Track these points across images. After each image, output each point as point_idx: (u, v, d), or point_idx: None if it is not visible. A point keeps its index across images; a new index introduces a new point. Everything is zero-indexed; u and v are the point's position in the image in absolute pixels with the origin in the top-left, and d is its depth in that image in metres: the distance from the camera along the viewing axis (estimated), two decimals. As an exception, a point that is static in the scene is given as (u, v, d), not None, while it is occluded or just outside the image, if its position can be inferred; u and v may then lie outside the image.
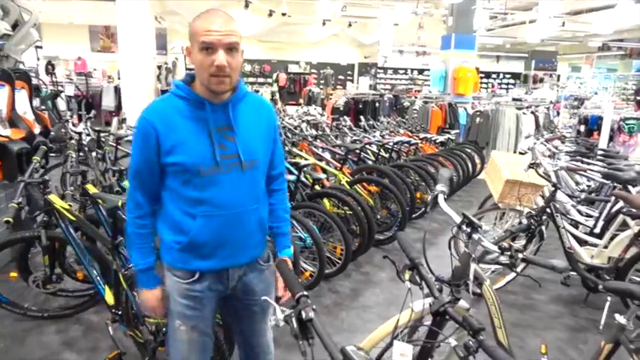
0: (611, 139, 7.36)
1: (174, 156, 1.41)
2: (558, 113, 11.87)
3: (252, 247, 1.58)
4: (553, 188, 3.14)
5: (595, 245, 3.46)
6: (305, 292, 1.09)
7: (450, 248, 1.89)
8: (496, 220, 4.08)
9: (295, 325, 1.01)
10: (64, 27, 14.63)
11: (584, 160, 4.09)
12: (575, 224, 3.91)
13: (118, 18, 9.28)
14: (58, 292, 3.11)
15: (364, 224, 3.83)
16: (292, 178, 3.72)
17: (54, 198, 2.51)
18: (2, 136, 3.33)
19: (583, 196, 3.47)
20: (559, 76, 20.93)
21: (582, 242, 3.55)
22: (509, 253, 1.62)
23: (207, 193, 1.44)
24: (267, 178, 1.65)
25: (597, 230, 3.65)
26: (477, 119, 9.02)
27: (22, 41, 3.59)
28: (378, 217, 4.57)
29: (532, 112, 9.30)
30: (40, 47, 3.99)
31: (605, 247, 3.38)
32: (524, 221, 3.15)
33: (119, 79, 10.37)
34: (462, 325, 1.26)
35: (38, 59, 3.94)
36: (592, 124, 8.11)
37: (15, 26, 3.50)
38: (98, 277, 2.55)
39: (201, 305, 1.56)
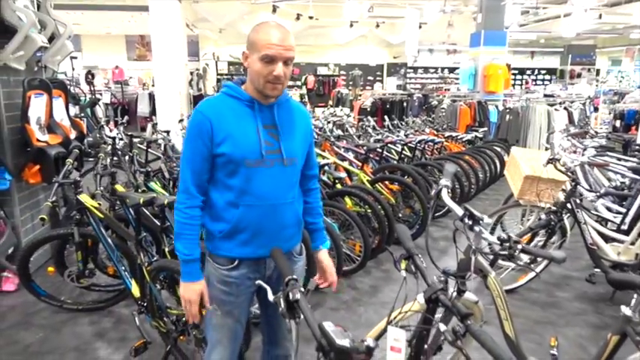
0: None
1: (224, 146, 1.54)
2: (596, 109, 11.45)
3: (287, 238, 1.70)
4: (573, 183, 3.09)
5: (622, 242, 3.38)
6: (294, 276, 1.17)
7: (454, 242, 1.92)
8: (522, 218, 4.03)
9: (283, 305, 1.09)
10: (102, 37, 15.32)
11: (610, 155, 3.98)
12: (604, 221, 3.83)
13: (151, 27, 9.66)
14: (92, 286, 3.32)
15: (383, 222, 3.87)
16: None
17: (84, 197, 2.70)
18: (41, 142, 3.57)
19: (603, 190, 3.37)
20: (598, 70, 20.15)
21: (609, 239, 3.47)
22: (507, 244, 1.64)
23: (250, 184, 1.57)
24: (303, 178, 1.78)
25: (625, 227, 3.56)
26: (507, 117, 8.86)
27: (58, 53, 3.84)
28: (400, 215, 4.59)
29: (565, 108, 9.05)
30: (75, 58, 4.25)
31: (633, 243, 3.30)
32: (544, 217, 3.11)
33: (153, 85, 10.78)
34: (452, 310, 1.31)
35: (73, 69, 4.18)
36: (629, 120, 7.85)
37: (51, 39, 3.75)
38: (126, 272, 2.72)
39: (238, 292, 1.68)
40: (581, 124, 8.93)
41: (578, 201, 3.17)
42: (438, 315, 1.59)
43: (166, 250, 2.60)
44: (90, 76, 11.19)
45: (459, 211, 1.85)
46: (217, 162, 1.58)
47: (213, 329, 1.73)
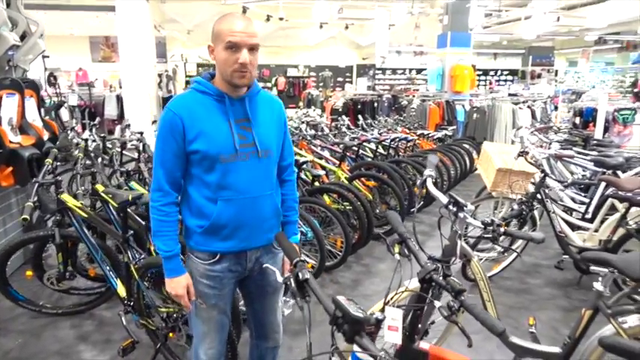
0: (607, 130, 7.49)
1: (197, 144, 1.54)
2: (556, 107, 11.98)
3: (267, 230, 1.71)
4: (542, 175, 3.26)
5: (587, 229, 3.59)
6: (302, 258, 1.22)
7: (439, 228, 2.01)
8: (495, 210, 4.21)
9: (294, 284, 1.14)
10: (66, 39, 14.83)
11: (574, 149, 4.22)
12: (569, 211, 4.04)
13: (118, 28, 9.45)
14: (71, 290, 3.27)
15: (363, 218, 3.96)
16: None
17: (66, 197, 2.66)
18: (13, 143, 3.47)
19: (569, 180, 3.58)
20: (557, 71, 21.04)
21: (575, 227, 3.68)
22: (491, 227, 1.75)
23: (227, 178, 1.58)
24: (278, 169, 1.79)
25: (589, 215, 3.78)
26: (474, 115, 9.16)
27: (29, 51, 3.75)
28: (377, 211, 4.70)
29: (528, 107, 9.44)
30: (47, 57, 4.14)
31: (596, 230, 3.51)
32: (516, 207, 3.27)
33: (120, 88, 10.54)
34: (446, 288, 1.39)
35: (45, 69, 4.07)
36: (587, 116, 8.23)
37: (23, 37, 3.65)
38: (110, 272, 2.69)
39: (221, 285, 1.70)
40: (544, 122, 9.33)
41: (547, 191, 3.35)
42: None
43: (152, 248, 2.60)
44: (53, 79, 10.83)
45: (444, 198, 1.95)
46: (192, 159, 1.58)
47: (199, 323, 1.75)
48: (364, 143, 5.53)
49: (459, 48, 10.23)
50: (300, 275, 1.15)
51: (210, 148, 1.54)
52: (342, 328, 1.02)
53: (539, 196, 3.33)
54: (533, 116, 9.32)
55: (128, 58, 9.44)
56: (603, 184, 3.69)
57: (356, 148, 5.29)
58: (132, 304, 2.55)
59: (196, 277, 1.68)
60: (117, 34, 9.70)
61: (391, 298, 1.47)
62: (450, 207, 1.91)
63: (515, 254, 3.64)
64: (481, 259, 3.59)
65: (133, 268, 2.42)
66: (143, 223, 2.70)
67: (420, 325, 1.57)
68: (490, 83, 20.01)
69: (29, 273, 2.99)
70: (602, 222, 3.45)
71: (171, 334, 2.38)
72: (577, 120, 8.52)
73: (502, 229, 1.74)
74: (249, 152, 1.60)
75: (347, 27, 14.53)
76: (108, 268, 2.69)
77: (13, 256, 3.03)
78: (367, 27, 15.01)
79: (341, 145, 4.95)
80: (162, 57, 14.41)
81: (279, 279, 1.20)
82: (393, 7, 12.77)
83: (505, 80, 20.90)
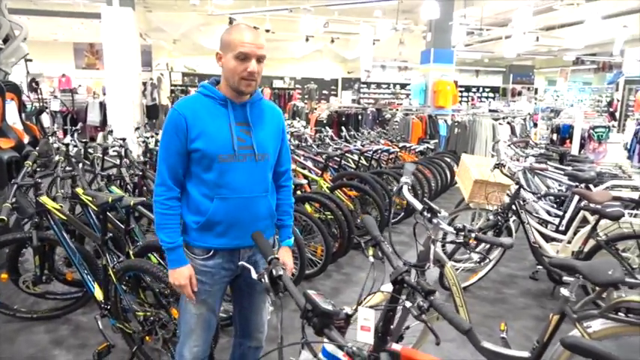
0: (582, 146, 7.72)
1: (198, 142, 1.62)
2: (536, 125, 12.30)
3: (261, 230, 1.73)
4: (517, 186, 3.36)
5: (560, 241, 3.69)
6: (276, 255, 1.26)
7: (414, 235, 2.07)
8: (473, 221, 4.30)
9: (267, 280, 1.18)
10: (49, 44, 14.72)
11: (549, 163, 4.35)
12: (544, 223, 4.16)
13: (103, 35, 9.43)
14: (47, 294, 3.23)
15: (344, 227, 4.01)
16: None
17: (45, 199, 2.64)
18: (-7, 145, 3.44)
19: (542, 192, 3.70)
20: (536, 89, 21.62)
21: (549, 239, 3.78)
22: (462, 233, 1.81)
23: (224, 178, 1.66)
24: (275, 174, 1.87)
25: (563, 228, 3.89)
26: (456, 130, 9.35)
27: (12, 54, 3.74)
28: (358, 221, 4.75)
29: (508, 123, 9.68)
30: (30, 60, 4.12)
31: (569, 242, 3.61)
32: (492, 218, 3.36)
33: (104, 95, 10.47)
34: (416, 288, 1.44)
35: (28, 72, 4.05)
36: (564, 133, 8.49)
37: (6, 40, 3.65)
38: (88, 275, 2.68)
39: (213, 281, 1.75)
40: (523, 137, 9.57)
41: (522, 202, 3.45)
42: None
43: (130, 252, 2.60)
44: (35, 84, 10.71)
45: (419, 205, 2.01)
46: (192, 157, 1.66)
47: (188, 319, 1.78)
48: (347, 154, 5.59)
49: (442, 64, 10.47)
50: (274, 272, 1.20)
51: (210, 147, 1.62)
52: (312, 321, 1.06)
53: (514, 207, 3.42)
54: (513, 132, 9.55)
55: (113, 65, 9.41)
56: (577, 197, 3.82)
57: (338, 159, 5.36)
58: (109, 307, 2.54)
59: None
60: (102, 41, 9.68)
61: (364, 299, 1.52)
62: (425, 213, 1.97)
63: (490, 265, 3.71)
64: (457, 269, 3.66)
65: (111, 272, 2.41)
66: (122, 226, 2.69)
67: (392, 327, 1.61)
68: (472, 99, 20.42)
69: (4, 276, 2.95)
70: (575, 234, 3.57)
71: (147, 338, 2.38)
72: (554, 136, 8.78)
73: (473, 235, 1.80)
74: (247, 154, 1.68)
75: (332, 41, 14.73)
76: (85, 271, 2.68)
77: (-13, 259, 2.99)
78: (352, 41, 15.25)
79: (324, 155, 5.01)
80: (147, 65, 14.36)
81: (254, 275, 1.23)
82: (377, 23, 13.02)
83: (487, 97, 21.37)
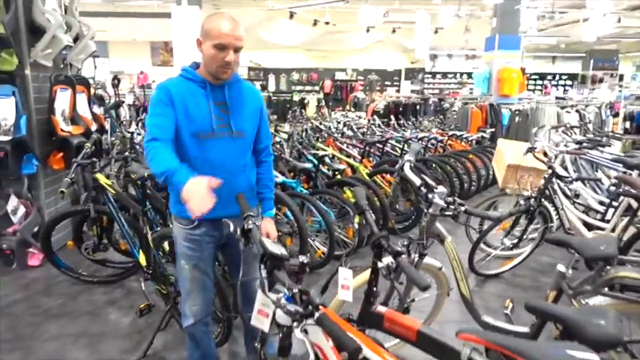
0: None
1: (180, 119, 1.78)
2: (617, 114, 11.39)
3: None
4: (550, 171, 3.26)
5: (604, 229, 3.53)
6: (252, 213, 1.45)
7: (417, 212, 2.15)
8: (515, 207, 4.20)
9: (239, 232, 1.37)
10: (128, 44, 16.02)
11: (599, 149, 4.12)
12: (591, 211, 3.97)
13: (173, 33, 10.15)
14: (106, 262, 3.67)
15: (378, 211, 4.09)
16: (309, 166, 4.08)
17: (99, 176, 3.03)
18: (65, 131, 3.95)
19: (575, 176, 3.53)
20: (621, 75, 19.85)
21: (593, 227, 3.63)
22: (452, 205, 1.87)
23: (205, 154, 1.82)
24: (255, 151, 2.02)
25: (608, 217, 3.70)
26: (516, 118, 8.95)
27: (81, 52, 4.24)
28: (397, 206, 4.81)
29: (577, 111, 9.08)
30: (97, 56, 4.61)
31: (613, 230, 3.44)
32: (523, 203, 3.29)
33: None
34: (387, 250, 1.55)
35: (95, 67, 4.55)
36: (638, 120, 7.86)
37: (76, 39, 4.15)
38: (134, 244, 3.03)
39: (201, 247, 1.94)
40: (596, 127, 8.94)
41: (556, 187, 3.34)
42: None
43: (170, 224, 2.90)
44: (116, 81, 11.78)
45: (417, 181, 2.09)
46: (176, 134, 1.78)
47: (184, 281, 1.99)
48: (389, 141, 5.64)
49: (508, 51, 10.04)
50: (245, 226, 1.38)
51: (191, 124, 1.79)
52: (266, 264, 1.22)
53: (547, 192, 3.32)
54: (582, 120, 8.95)
55: (182, 60, 10.09)
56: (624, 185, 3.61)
57: (381, 146, 5.42)
58: (151, 272, 2.87)
59: (180, 241, 1.94)
60: (172, 38, 10.41)
61: (346, 262, 1.65)
62: (422, 189, 2.05)
63: (526, 253, 3.63)
64: (489, 254, 3.63)
65: (150, 239, 2.73)
66: (163, 201, 3.02)
67: (375, 289, 1.73)
68: (545, 87, 19.21)
69: (70, 243, 3.42)
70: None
71: (179, 298, 2.66)
72: (627, 124, 8.14)
73: (462, 208, 1.86)
74: (225, 132, 1.84)
75: (394, 31, 14.60)
76: (132, 240, 3.03)
77: (56, 229, 3.46)
78: (415, 31, 14.97)
79: (363, 142, 5.11)
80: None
81: (231, 229, 1.42)
82: (440, 11, 12.69)
83: (564, 85, 20.02)
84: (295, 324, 1.11)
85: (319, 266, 3.68)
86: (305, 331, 1.16)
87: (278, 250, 1.21)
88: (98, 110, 7.83)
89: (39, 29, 3.67)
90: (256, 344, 1.36)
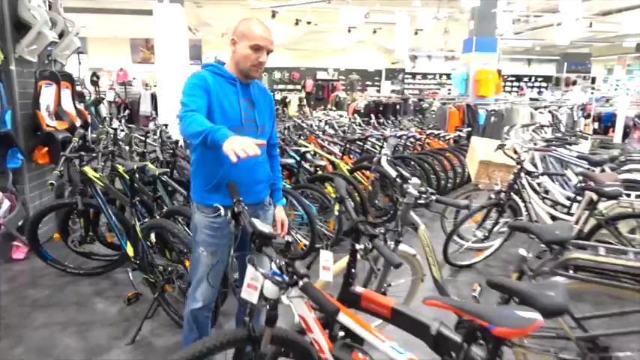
0: (627, 135, 7.48)
1: (214, 110, 1.90)
2: (589, 115, 11.83)
3: (259, 191, 2.11)
4: (519, 167, 3.48)
5: (568, 222, 3.75)
6: (240, 199, 1.58)
7: (395, 204, 2.32)
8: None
9: (229, 215, 1.51)
10: (109, 40, 15.84)
11: (567, 147, 4.38)
12: (557, 205, 4.21)
13: (154, 30, 10.12)
14: (92, 255, 3.74)
15: (357, 205, 4.25)
16: (292, 162, 4.22)
17: (87, 169, 3.11)
18: (49, 126, 3.99)
19: (540, 172, 3.76)
20: (594, 78, 20.55)
21: (558, 220, 3.85)
22: (425, 195, 2.04)
23: None
24: (267, 146, 2.15)
25: (573, 210, 3.94)
26: (492, 118, 9.26)
27: (66, 48, 4.28)
28: (376, 201, 4.98)
29: (549, 112, 9.44)
30: (82, 52, 4.64)
31: (576, 222, 3.68)
32: (493, 197, 3.50)
33: (155, 86, 11.23)
34: (363, 232, 1.71)
35: (80, 63, 4.57)
36: (606, 121, 8.23)
37: (61, 35, 4.19)
38: (122, 235, 3.13)
39: (221, 235, 2.04)
40: (568, 127, 9.30)
41: (524, 182, 3.55)
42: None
43: (157, 216, 3.01)
44: (95, 77, 11.68)
45: (393, 173, 2.25)
46: None
47: (200, 267, 2.08)
48: (369, 139, 5.81)
49: (485, 53, 10.34)
50: (236, 209, 1.52)
51: (223, 117, 1.91)
52: (255, 242, 1.36)
53: (515, 186, 3.54)
54: (554, 121, 9.31)
55: (163, 58, 10.09)
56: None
57: (361, 143, 5.59)
58: (138, 262, 2.97)
59: (201, 229, 2.04)
60: (153, 36, 10.39)
61: (327, 246, 1.80)
62: (398, 180, 2.21)
63: (496, 245, 3.84)
64: (462, 246, 3.83)
65: (138, 229, 2.83)
66: (151, 194, 3.11)
67: (353, 271, 1.88)
68: (521, 89, 19.75)
69: (56, 235, 3.48)
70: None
71: (167, 287, 2.77)
72: (596, 125, 8.51)
73: (433, 197, 2.03)
74: (251, 127, 1.99)
75: (375, 31, 14.81)
76: (120, 232, 3.12)
77: (42, 222, 3.52)
78: (395, 32, 15.23)
79: (343, 140, 5.27)
80: (197, 59, 15.13)
81: (222, 212, 1.56)
82: (419, 12, 12.97)
83: (539, 87, 20.60)
84: (282, 291, 1.25)
85: (301, 258, 3.81)
86: (291, 302, 1.31)
87: (267, 229, 1.35)
88: (79, 106, 7.83)
89: (24, 25, 3.72)
90: (245, 317, 1.49)
